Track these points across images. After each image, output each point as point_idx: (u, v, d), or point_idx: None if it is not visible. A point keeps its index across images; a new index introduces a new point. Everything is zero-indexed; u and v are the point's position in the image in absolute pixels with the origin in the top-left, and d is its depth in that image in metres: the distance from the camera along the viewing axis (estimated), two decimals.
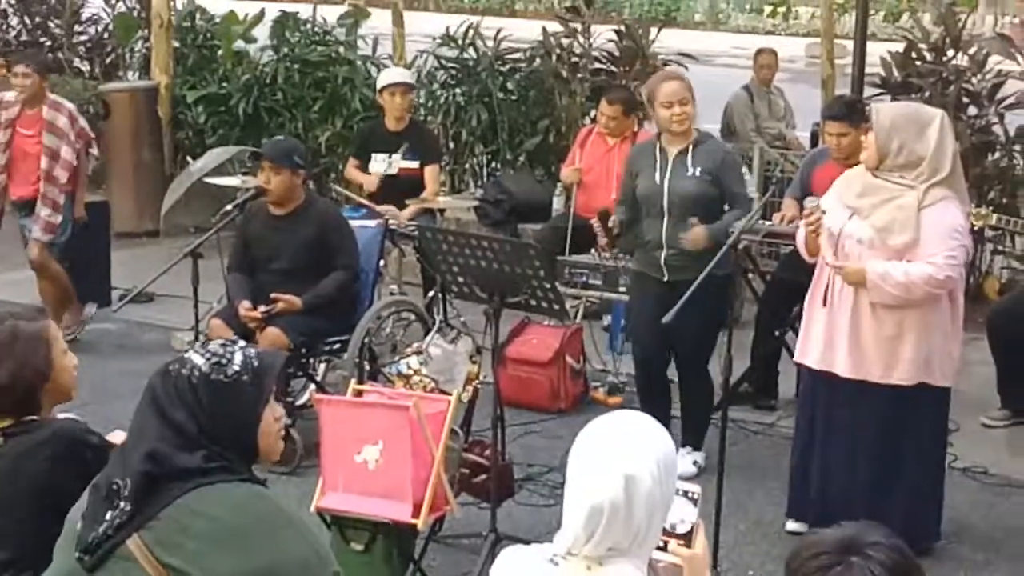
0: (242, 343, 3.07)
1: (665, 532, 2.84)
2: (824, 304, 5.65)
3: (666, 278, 6.38)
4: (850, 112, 6.76)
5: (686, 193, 6.31)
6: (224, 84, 11.64)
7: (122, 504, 2.83)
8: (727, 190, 6.38)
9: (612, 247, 7.33)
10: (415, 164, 8.57)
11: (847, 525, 2.49)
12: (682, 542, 2.86)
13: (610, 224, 6.68)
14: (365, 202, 8.32)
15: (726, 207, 6.40)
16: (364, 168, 8.71)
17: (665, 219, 6.38)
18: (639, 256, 6.68)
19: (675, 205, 6.33)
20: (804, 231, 5.70)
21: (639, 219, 6.55)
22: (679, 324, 6.07)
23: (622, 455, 2.73)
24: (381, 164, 8.59)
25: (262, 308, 6.70)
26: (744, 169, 6.46)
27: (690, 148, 6.35)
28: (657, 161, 6.40)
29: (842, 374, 5.61)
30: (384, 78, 8.95)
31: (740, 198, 6.42)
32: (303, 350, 6.81)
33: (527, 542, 3.03)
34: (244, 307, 6.72)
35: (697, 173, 6.32)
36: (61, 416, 3.67)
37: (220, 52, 11.95)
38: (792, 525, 6.03)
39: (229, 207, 7.12)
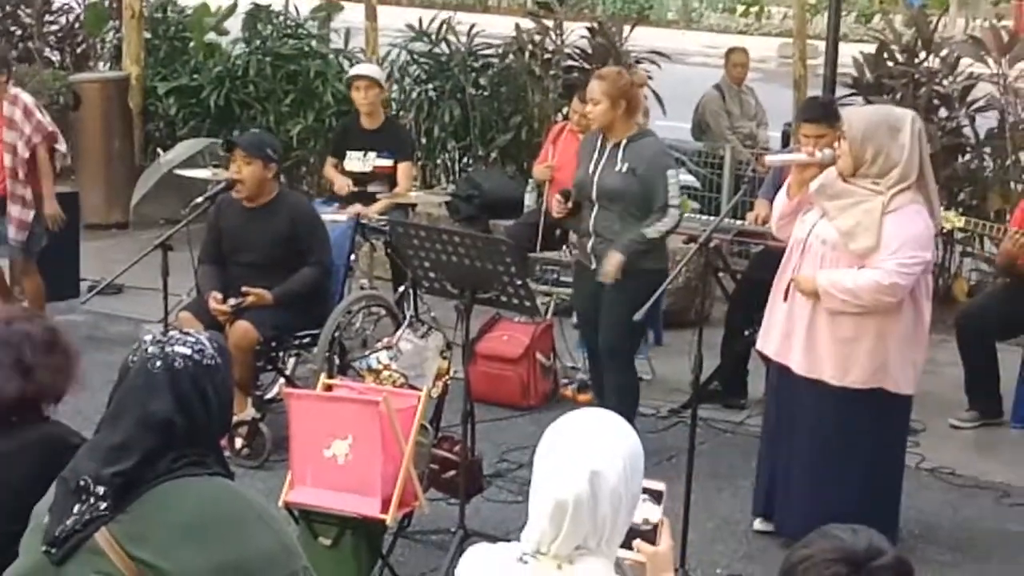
0: (186, 330, 3.15)
1: (630, 530, 2.84)
2: (785, 299, 5.68)
3: (593, 266, 6.45)
4: (827, 114, 6.73)
5: (611, 188, 6.39)
6: (195, 76, 11.60)
7: (93, 501, 2.82)
8: (650, 193, 6.36)
9: (566, 218, 7.13)
10: (389, 162, 8.54)
11: (844, 531, 2.47)
12: (646, 540, 2.86)
13: (569, 203, 6.66)
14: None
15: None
16: (342, 166, 8.68)
17: (595, 208, 6.46)
18: (577, 244, 6.73)
19: (602, 197, 6.42)
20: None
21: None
22: (603, 314, 6.13)
23: (588, 451, 2.73)
24: (356, 162, 8.56)
25: (232, 301, 6.66)
26: (671, 172, 6.36)
27: (623, 143, 6.41)
28: (596, 150, 6.49)
29: (796, 370, 5.63)
30: (351, 71, 8.95)
31: (658, 205, 6.35)
32: (273, 344, 6.78)
33: (496, 538, 3.03)
34: (215, 299, 6.69)
35: (624, 169, 6.37)
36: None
37: (192, 44, 11.91)
38: (760, 524, 6.05)
39: (200, 199, 7.05)
